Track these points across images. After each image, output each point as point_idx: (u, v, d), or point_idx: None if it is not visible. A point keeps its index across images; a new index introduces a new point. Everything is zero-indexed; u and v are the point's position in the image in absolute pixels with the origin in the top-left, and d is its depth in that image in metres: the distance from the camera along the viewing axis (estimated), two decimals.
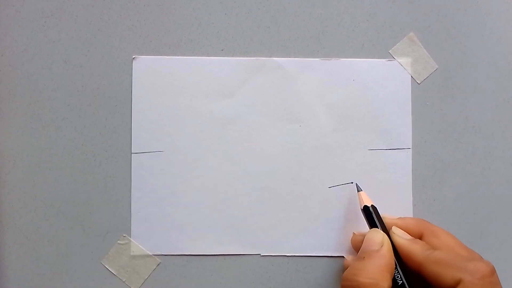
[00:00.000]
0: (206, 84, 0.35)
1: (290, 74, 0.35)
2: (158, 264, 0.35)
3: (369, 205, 0.32)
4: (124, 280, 0.35)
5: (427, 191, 0.36)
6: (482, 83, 0.36)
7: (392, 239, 0.30)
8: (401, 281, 0.29)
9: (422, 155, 0.35)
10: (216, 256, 0.35)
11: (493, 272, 0.27)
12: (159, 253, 0.35)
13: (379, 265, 0.28)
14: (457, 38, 0.36)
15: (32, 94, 0.35)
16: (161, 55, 0.35)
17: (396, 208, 0.35)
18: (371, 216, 0.32)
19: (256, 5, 0.36)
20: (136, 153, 0.35)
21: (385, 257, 0.28)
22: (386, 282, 0.27)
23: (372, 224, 0.32)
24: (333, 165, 0.35)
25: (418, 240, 0.30)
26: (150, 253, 0.35)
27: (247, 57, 0.35)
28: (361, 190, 0.34)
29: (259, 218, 0.35)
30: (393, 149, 0.35)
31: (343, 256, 0.35)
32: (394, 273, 0.29)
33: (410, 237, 0.31)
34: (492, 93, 0.36)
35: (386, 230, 0.31)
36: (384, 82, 0.35)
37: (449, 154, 0.36)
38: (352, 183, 0.35)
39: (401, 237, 0.30)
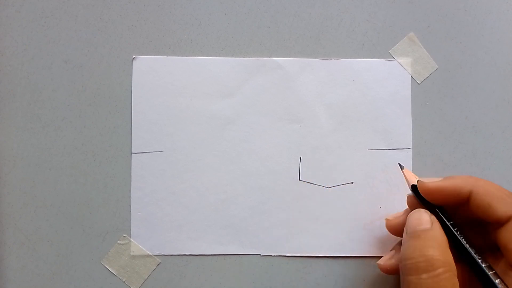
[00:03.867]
0: (206, 84, 0.35)
1: (290, 74, 0.35)
2: (158, 264, 0.35)
3: (415, 183, 0.31)
4: (124, 280, 0.35)
5: None
6: (482, 83, 0.36)
7: (423, 188, 0.30)
8: (465, 249, 0.28)
9: (422, 155, 0.35)
10: (216, 256, 0.35)
11: None
12: (159, 253, 0.35)
13: (440, 241, 0.27)
14: (457, 38, 0.36)
15: (32, 94, 0.35)
16: (161, 55, 0.35)
17: (396, 208, 0.35)
18: (419, 195, 0.30)
19: (256, 5, 0.36)
20: (136, 153, 0.35)
21: (441, 234, 0.28)
22: (450, 256, 0.27)
23: (422, 202, 0.30)
24: (333, 165, 0.35)
25: (456, 176, 0.30)
26: (150, 253, 0.35)
27: (247, 57, 0.35)
28: (404, 167, 0.33)
29: (259, 218, 0.35)
30: (393, 149, 0.35)
31: (343, 256, 0.35)
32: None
33: (440, 178, 0.30)
34: (492, 93, 0.36)
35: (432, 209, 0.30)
36: (384, 82, 0.35)
37: (449, 154, 0.36)
38: (352, 183, 0.35)
39: (432, 181, 0.29)
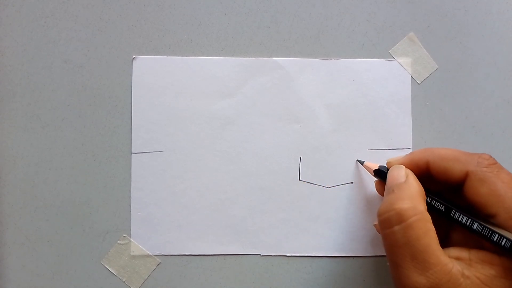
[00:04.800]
0: (206, 84, 0.35)
1: (290, 74, 0.35)
2: (158, 264, 0.35)
3: (377, 167, 0.32)
4: (124, 280, 0.35)
5: None
6: (482, 83, 0.36)
7: (388, 166, 0.31)
8: (437, 204, 0.29)
9: None
10: (216, 256, 0.35)
11: (495, 160, 0.28)
12: (159, 253, 0.35)
13: (411, 192, 0.28)
14: (457, 38, 0.36)
15: (32, 94, 0.35)
16: (161, 55, 0.35)
17: None
18: (384, 177, 0.31)
19: (256, 5, 0.36)
20: (136, 153, 0.35)
21: (414, 185, 0.28)
22: (422, 205, 0.27)
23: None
24: (333, 165, 0.35)
25: (415, 151, 0.31)
26: (150, 253, 0.35)
27: (247, 57, 0.35)
28: (363, 162, 0.34)
29: (259, 218, 0.35)
30: (393, 149, 0.35)
31: (343, 256, 0.35)
32: (427, 199, 0.29)
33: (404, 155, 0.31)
34: (492, 93, 0.36)
35: None
36: (384, 82, 0.35)
37: None
38: (352, 183, 0.35)
39: (398, 158, 0.31)
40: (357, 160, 0.35)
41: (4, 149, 0.35)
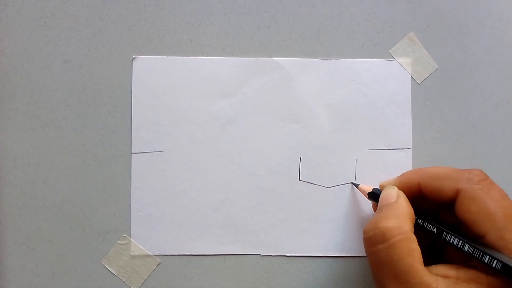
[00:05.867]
0: (206, 84, 0.35)
1: (290, 74, 0.35)
2: (158, 264, 0.35)
3: (371, 190, 0.32)
4: (124, 280, 0.35)
5: None
6: (482, 83, 0.36)
7: (385, 188, 0.31)
8: (429, 226, 0.29)
9: (422, 155, 0.35)
10: (216, 256, 0.35)
11: (486, 176, 0.28)
12: (159, 253, 0.35)
13: (398, 212, 0.28)
14: (457, 38, 0.36)
15: (32, 94, 0.35)
16: (161, 55, 0.35)
17: None
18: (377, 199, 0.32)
19: (256, 5, 0.36)
20: (136, 153, 0.35)
21: (403, 205, 0.28)
22: (408, 225, 0.27)
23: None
24: (333, 165, 0.35)
25: (407, 172, 0.31)
26: (150, 253, 0.35)
27: (247, 57, 0.35)
28: (358, 184, 0.34)
29: (259, 218, 0.35)
30: (393, 149, 0.35)
31: (343, 256, 0.35)
32: (417, 221, 0.29)
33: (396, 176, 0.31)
34: (492, 93, 0.36)
35: None
36: (384, 82, 0.35)
37: (449, 154, 0.36)
38: (352, 183, 0.35)
39: (391, 181, 0.31)
40: (352, 182, 0.35)
41: (4, 149, 0.35)
